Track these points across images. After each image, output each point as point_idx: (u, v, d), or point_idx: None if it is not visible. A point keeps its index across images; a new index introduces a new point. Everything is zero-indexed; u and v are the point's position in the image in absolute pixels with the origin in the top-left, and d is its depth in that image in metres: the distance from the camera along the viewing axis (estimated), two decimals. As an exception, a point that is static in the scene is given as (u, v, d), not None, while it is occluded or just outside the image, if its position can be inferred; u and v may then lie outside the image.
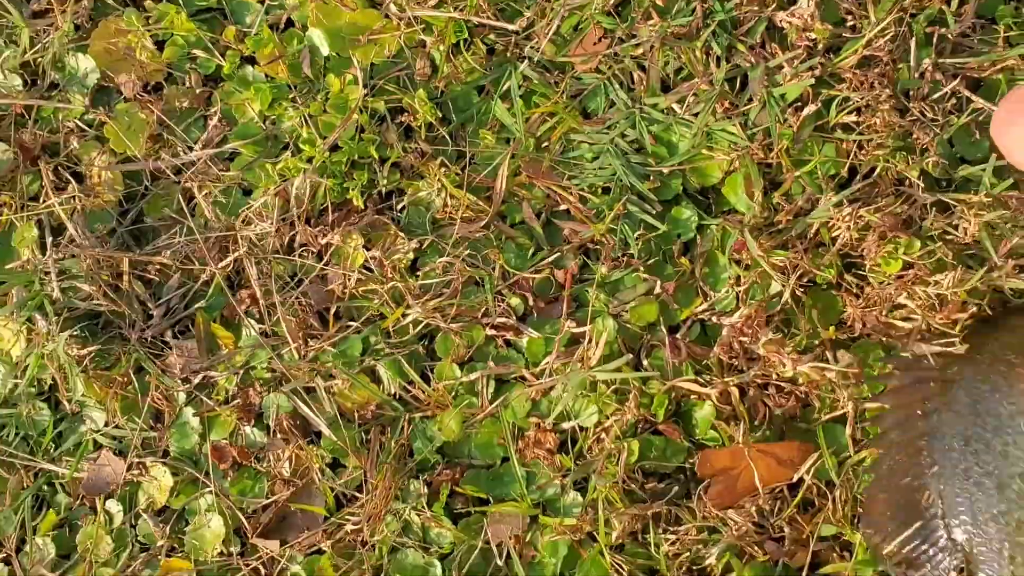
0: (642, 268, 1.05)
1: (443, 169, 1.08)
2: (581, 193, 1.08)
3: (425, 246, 1.09)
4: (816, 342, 1.01)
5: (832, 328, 1.01)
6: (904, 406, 0.96)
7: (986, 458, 0.91)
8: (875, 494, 0.96)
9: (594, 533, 1.00)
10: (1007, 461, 0.90)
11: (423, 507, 1.02)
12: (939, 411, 0.94)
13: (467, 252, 1.06)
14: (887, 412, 0.97)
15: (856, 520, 1.00)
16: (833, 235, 1.02)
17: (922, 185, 1.01)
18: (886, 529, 0.94)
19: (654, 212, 1.06)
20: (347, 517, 1.03)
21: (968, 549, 0.91)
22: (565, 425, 1.04)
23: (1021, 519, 0.89)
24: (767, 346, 0.97)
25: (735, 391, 1.01)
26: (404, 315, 1.06)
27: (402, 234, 1.08)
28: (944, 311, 0.97)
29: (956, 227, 1.00)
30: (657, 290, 1.04)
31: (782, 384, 1.01)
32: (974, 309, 0.96)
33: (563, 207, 1.08)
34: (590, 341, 1.02)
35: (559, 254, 1.07)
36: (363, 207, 1.09)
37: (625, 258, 1.06)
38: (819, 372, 0.97)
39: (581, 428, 1.03)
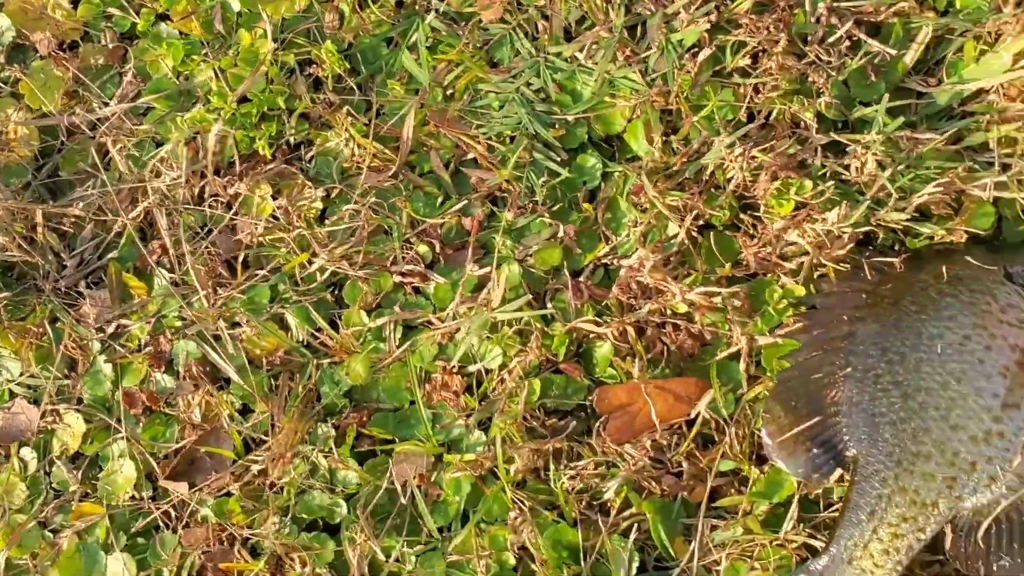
0: (547, 214, 1.07)
1: (351, 119, 1.10)
2: (488, 142, 1.10)
3: (334, 195, 1.10)
4: (712, 279, 1.03)
5: (728, 266, 1.03)
6: (833, 307, 0.99)
7: (898, 368, 0.94)
8: (784, 385, 0.98)
9: (496, 470, 1.01)
10: (917, 375, 0.93)
11: (330, 450, 1.04)
12: (865, 320, 0.97)
13: (374, 201, 1.08)
14: (816, 312, 0.99)
15: (753, 456, 1.02)
16: (728, 176, 1.03)
17: (816, 126, 1.03)
18: (786, 419, 0.96)
19: (560, 160, 1.08)
20: (254, 460, 1.04)
21: (859, 451, 0.93)
22: (471, 368, 1.05)
23: (916, 429, 0.92)
24: (653, 273, 0.99)
25: (631, 329, 1.02)
26: (311, 263, 1.07)
27: (310, 183, 1.10)
28: (832, 247, 0.99)
29: (848, 167, 1.02)
30: (560, 235, 1.06)
31: (678, 322, 1.03)
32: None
33: (471, 156, 1.10)
34: (494, 285, 1.04)
35: (466, 202, 1.09)
36: (271, 157, 1.10)
37: (531, 204, 1.08)
38: (707, 300, 0.99)
39: (486, 370, 1.05)
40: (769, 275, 1.04)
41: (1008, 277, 0.98)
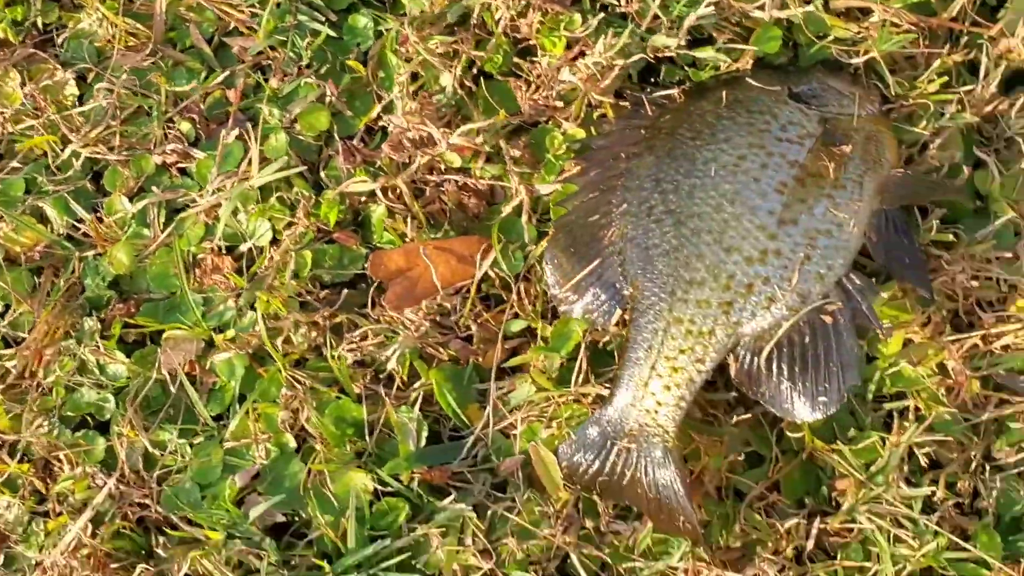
0: (313, 76, 1.00)
1: (101, -3, 1.02)
2: (252, 9, 1.03)
3: (90, 79, 1.03)
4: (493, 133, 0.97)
5: (502, 113, 0.97)
6: (611, 146, 0.94)
7: (671, 197, 0.89)
8: (563, 231, 0.93)
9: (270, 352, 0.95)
10: (691, 201, 0.88)
11: (97, 344, 0.97)
12: (641, 155, 0.92)
13: (128, 78, 1.01)
14: (593, 153, 0.94)
15: (546, 313, 0.96)
16: (496, 18, 0.97)
17: (581, -44, 0.97)
18: (566, 267, 0.91)
19: (326, 20, 1.01)
20: (11, 361, 0.97)
21: (634, 287, 0.89)
22: (242, 247, 0.99)
23: (689, 256, 0.87)
24: (409, 117, 0.93)
25: (405, 188, 0.96)
26: (63, 148, 1.00)
27: (61, 67, 1.02)
28: (603, 79, 0.93)
29: (619, -2, 0.96)
30: (327, 96, 0.99)
31: (457, 178, 0.97)
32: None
33: (233, 26, 1.03)
34: (253, 153, 0.97)
35: (229, 73, 1.02)
36: (20, 43, 1.03)
37: (298, 69, 1.01)
38: (470, 142, 0.93)
39: (258, 249, 0.99)
40: (550, 122, 0.98)
41: (794, 97, 0.93)
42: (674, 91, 0.94)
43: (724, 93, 0.92)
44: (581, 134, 0.96)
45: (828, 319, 0.85)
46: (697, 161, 0.89)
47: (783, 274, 0.86)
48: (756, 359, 0.86)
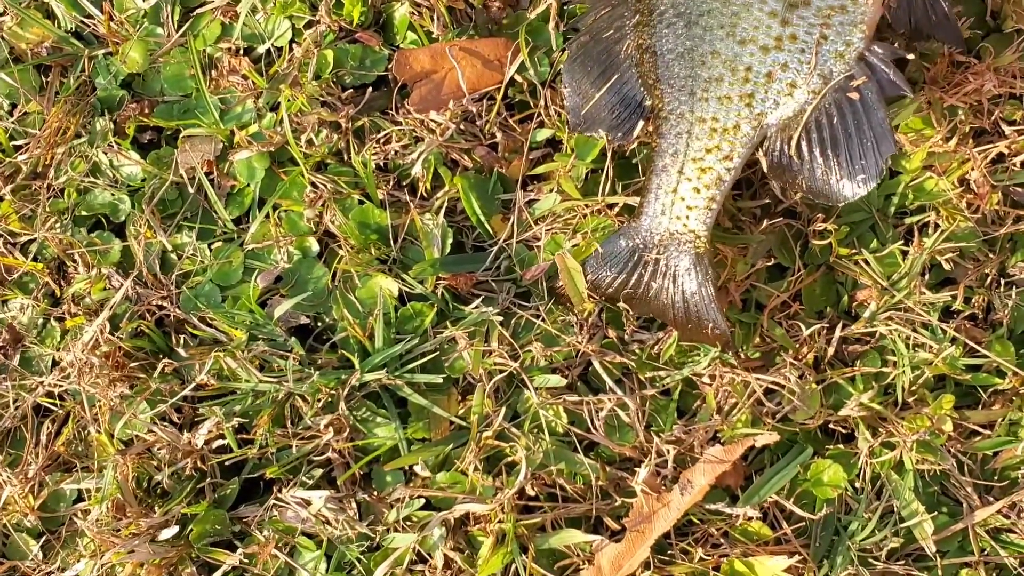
0: None
1: None
2: None
3: None
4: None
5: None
6: None
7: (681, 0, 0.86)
8: (578, 51, 0.90)
9: (293, 154, 0.93)
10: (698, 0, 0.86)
11: (111, 144, 0.94)
12: None
13: None
14: None
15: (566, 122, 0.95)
16: None
17: None
18: (585, 87, 0.89)
19: None
20: (22, 156, 0.94)
21: (653, 96, 0.87)
22: (260, 48, 0.96)
23: (704, 54, 0.85)
24: None
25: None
26: (71, -62, 0.96)
27: None
28: None
29: None
30: None
31: (483, -22, 0.94)
32: None
33: None
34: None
35: None
36: None
37: None
38: None
39: (277, 50, 0.96)
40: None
41: None
42: None
43: None
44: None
45: (855, 95, 0.84)
46: None
47: (801, 58, 0.84)
48: (787, 148, 0.86)
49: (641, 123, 0.89)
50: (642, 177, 0.92)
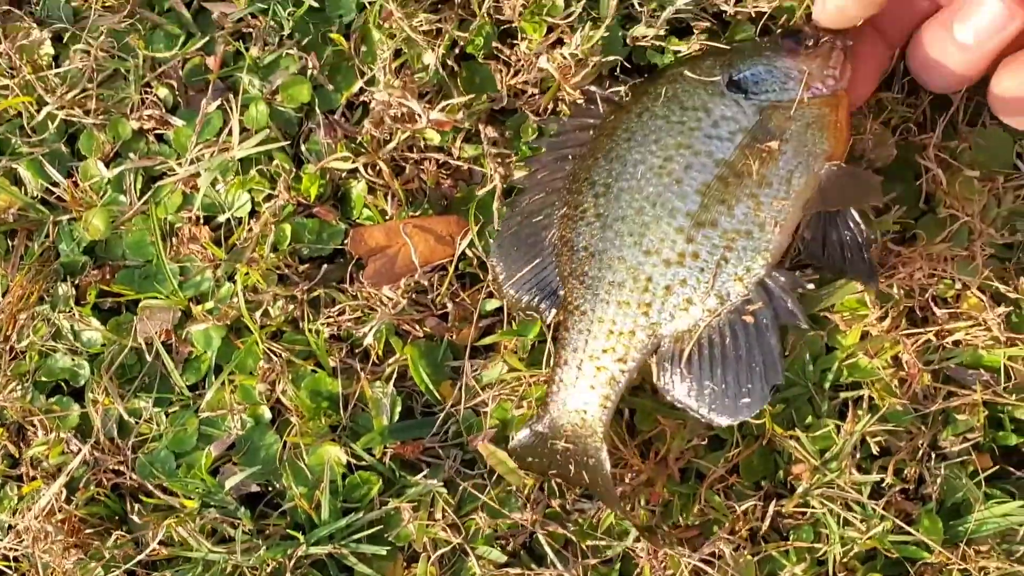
0: (295, 48, 1.00)
1: (77, -46, 1.00)
2: (233, -25, 1.02)
3: (66, 39, 1.01)
4: (472, 112, 0.98)
5: (484, 97, 0.98)
6: (562, 146, 0.94)
7: (602, 201, 0.90)
8: (508, 230, 0.94)
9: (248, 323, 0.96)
10: (618, 204, 0.89)
11: (71, 310, 0.97)
12: (584, 157, 0.93)
13: (106, 40, 0.99)
14: (542, 154, 0.95)
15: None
16: (481, -1, 0.97)
17: (571, -57, 0.97)
18: (511, 265, 0.93)
19: (309, -9, 1.01)
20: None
21: (564, 288, 0.91)
22: (220, 218, 0.99)
23: (612, 258, 0.88)
24: (390, 89, 0.93)
25: (385, 166, 0.97)
26: (39, 109, 0.99)
27: (36, 26, 1.00)
28: (576, 72, 0.94)
29: (603, -17, 0.96)
30: (309, 68, 0.99)
31: (436, 156, 0.98)
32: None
33: (213, -9, 1.02)
34: (233, 124, 0.97)
35: (209, 39, 1.01)
36: (-7, -1, 1.01)
37: (279, 39, 1.01)
38: (450, 117, 0.94)
39: (237, 220, 0.99)
40: (526, 108, 0.99)
41: (733, 84, 0.89)
42: (622, 89, 0.93)
43: (664, 89, 0.91)
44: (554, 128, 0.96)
45: (750, 319, 0.86)
46: (628, 163, 0.90)
47: (700, 276, 0.87)
48: (677, 361, 0.88)
49: (554, 311, 0.92)
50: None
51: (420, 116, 0.93)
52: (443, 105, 0.93)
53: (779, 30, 0.94)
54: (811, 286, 0.88)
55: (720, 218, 0.86)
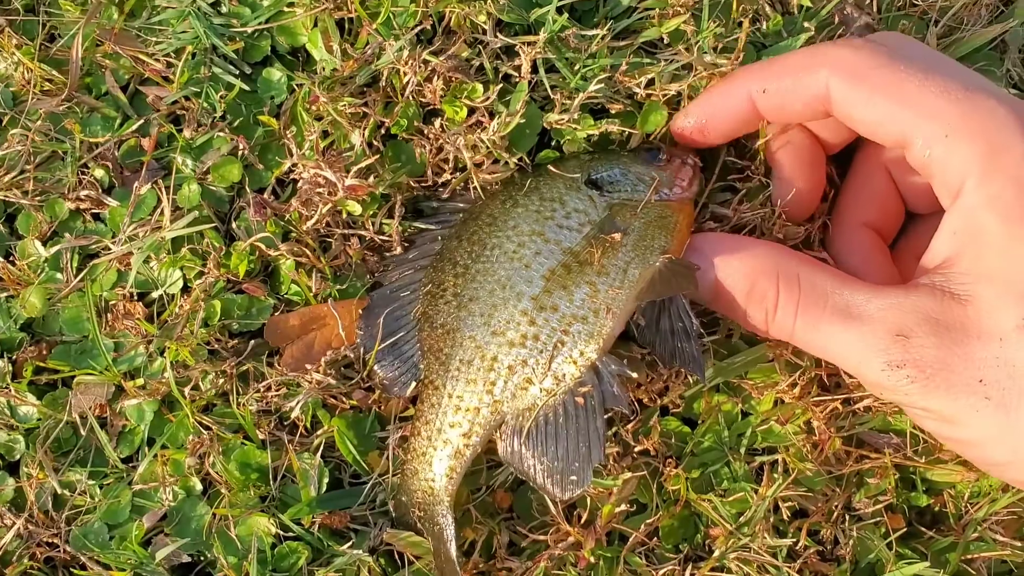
0: (227, 130, 1.04)
1: (16, 41, 1.04)
2: (168, 59, 1.05)
3: (5, 123, 1.05)
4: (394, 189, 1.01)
5: (408, 179, 1.02)
6: (433, 229, 1.00)
7: (460, 280, 0.96)
8: (376, 303, 0.99)
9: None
10: (474, 284, 0.95)
11: (7, 385, 1.00)
12: (451, 238, 0.98)
13: (42, 124, 1.03)
14: (420, 233, 1.01)
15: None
16: (403, 82, 1.01)
17: (489, 29, 1.01)
18: (376, 336, 0.97)
19: (241, 73, 1.05)
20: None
21: (421, 363, 0.96)
22: (154, 294, 1.02)
23: (464, 337, 0.94)
24: (302, 159, 0.97)
25: (310, 241, 1.00)
26: (-24, 192, 1.02)
27: (-25, 111, 1.04)
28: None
29: (519, 68, 1.00)
30: (240, 149, 1.03)
31: (362, 233, 1.01)
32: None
33: (147, 75, 1.06)
34: (165, 204, 1.00)
35: (144, 121, 1.05)
36: (-67, 85, 1.04)
37: (211, 121, 1.04)
38: (364, 182, 0.97)
39: (170, 296, 1.02)
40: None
41: (591, 183, 0.97)
42: (498, 175, 0.99)
43: (529, 181, 0.98)
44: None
45: (581, 400, 0.91)
46: (486, 247, 0.95)
47: (539, 358, 0.92)
48: (518, 437, 0.92)
49: (414, 383, 0.96)
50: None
51: (337, 183, 0.96)
52: (356, 170, 0.96)
53: (642, 144, 1.01)
54: (635, 375, 0.92)
55: (561, 303, 0.91)
